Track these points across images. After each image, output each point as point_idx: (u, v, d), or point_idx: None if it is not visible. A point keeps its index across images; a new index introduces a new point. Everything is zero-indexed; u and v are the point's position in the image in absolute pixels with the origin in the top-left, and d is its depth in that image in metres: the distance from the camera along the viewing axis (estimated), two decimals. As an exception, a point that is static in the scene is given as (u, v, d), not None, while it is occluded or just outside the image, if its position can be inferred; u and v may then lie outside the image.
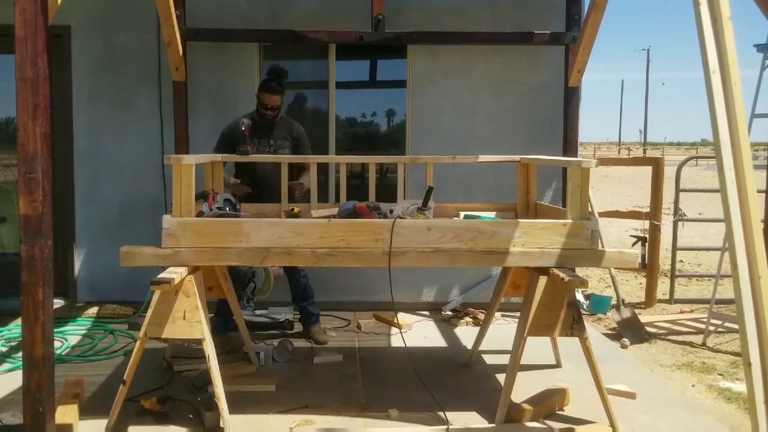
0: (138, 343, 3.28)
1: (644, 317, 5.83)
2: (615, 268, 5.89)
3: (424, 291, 5.88)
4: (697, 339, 5.32)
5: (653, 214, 6.46)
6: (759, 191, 2.70)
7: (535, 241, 3.37)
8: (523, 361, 3.45)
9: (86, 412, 3.49)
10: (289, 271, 4.78)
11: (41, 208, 2.85)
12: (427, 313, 5.75)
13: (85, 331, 5.05)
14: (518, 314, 3.77)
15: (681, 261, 8.57)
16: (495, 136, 5.73)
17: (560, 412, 3.59)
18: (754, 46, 5.33)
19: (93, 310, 5.44)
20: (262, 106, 4.64)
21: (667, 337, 5.41)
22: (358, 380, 4.08)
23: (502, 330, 4.98)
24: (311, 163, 4.53)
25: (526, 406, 3.42)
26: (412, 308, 5.76)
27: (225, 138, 4.72)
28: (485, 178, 5.65)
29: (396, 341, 4.92)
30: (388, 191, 5.23)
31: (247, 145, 4.45)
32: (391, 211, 3.74)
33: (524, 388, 3.74)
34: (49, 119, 2.90)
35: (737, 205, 2.64)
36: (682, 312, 6.25)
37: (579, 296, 5.89)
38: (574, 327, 3.33)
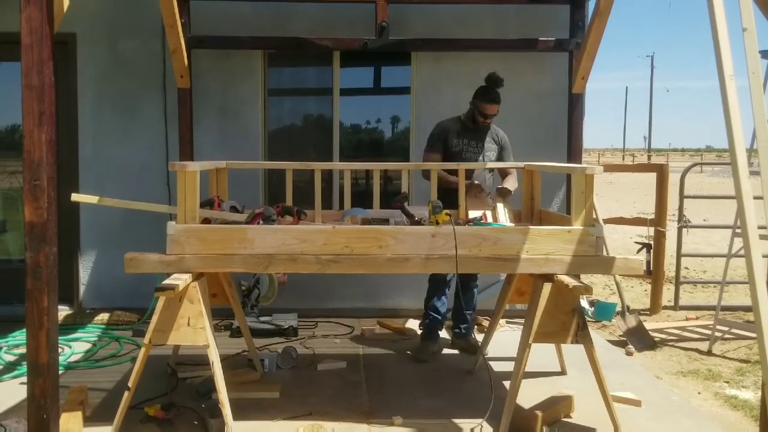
0: (142, 349, 3.28)
1: (649, 324, 5.80)
2: (620, 275, 5.88)
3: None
4: (703, 346, 5.29)
5: (658, 220, 6.45)
6: (756, 197, 2.68)
7: (540, 247, 3.37)
8: (528, 368, 3.43)
9: (90, 419, 3.49)
10: (463, 277, 4.65)
11: (46, 215, 2.86)
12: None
13: (90, 338, 5.05)
14: (523, 321, 3.76)
15: (686, 267, 8.54)
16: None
17: (566, 420, 3.57)
18: (759, 52, 5.31)
19: (98, 317, 5.46)
20: (480, 114, 4.57)
21: (673, 344, 5.39)
22: (362, 387, 4.07)
23: (507, 337, 4.96)
24: (511, 171, 4.67)
25: (535, 413, 3.40)
26: (421, 315, 5.73)
27: (437, 136, 4.67)
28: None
29: (399, 347, 4.91)
30: (392, 198, 5.22)
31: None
32: (420, 221, 3.72)
33: (529, 395, 3.73)
34: (54, 126, 2.91)
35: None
36: (687, 319, 6.23)
37: (584, 303, 5.87)
38: (579, 334, 3.32)
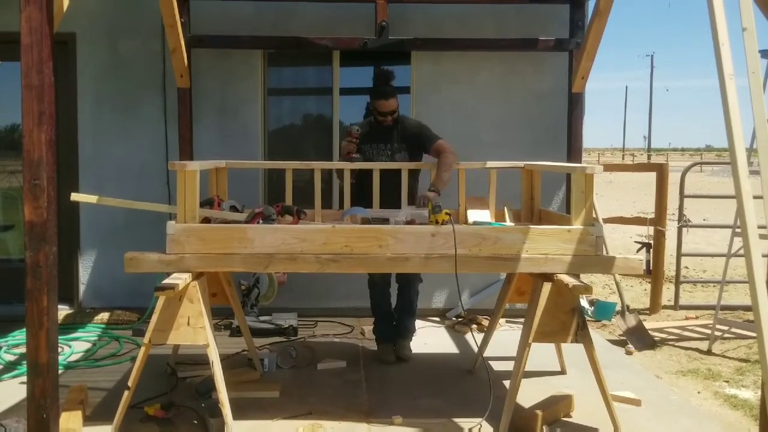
0: (142, 349, 3.28)
1: (649, 323, 5.80)
2: (620, 274, 5.87)
3: (433, 297, 5.86)
4: (703, 345, 5.29)
5: (658, 220, 6.44)
6: (755, 197, 2.69)
7: (540, 247, 3.37)
8: (528, 367, 3.44)
9: (90, 418, 3.49)
10: (403, 278, 4.65)
11: (46, 214, 2.86)
12: (437, 319, 5.75)
13: (89, 337, 5.05)
14: (523, 321, 3.76)
15: (686, 267, 8.54)
16: (499, 142, 5.73)
17: (565, 419, 3.57)
18: (759, 52, 5.31)
19: (97, 317, 5.45)
20: (379, 114, 4.41)
21: (673, 344, 5.39)
22: (362, 386, 4.07)
23: (506, 336, 4.96)
24: (444, 148, 4.33)
25: (535, 412, 3.40)
26: (422, 315, 5.73)
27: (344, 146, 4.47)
28: (489, 184, 5.64)
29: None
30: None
31: (357, 152, 4.37)
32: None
33: (529, 395, 3.73)
34: (54, 126, 2.91)
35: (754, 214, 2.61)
36: (687, 318, 6.23)
37: (583, 302, 5.87)
38: (579, 333, 3.32)
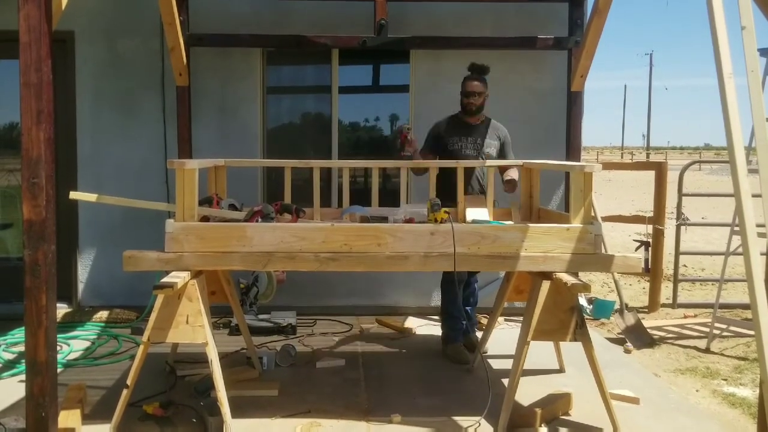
0: (141, 347, 3.28)
1: (648, 322, 5.81)
2: (618, 273, 5.88)
3: (432, 296, 5.86)
4: (701, 343, 5.30)
5: (656, 218, 6.45)
6: (754, 195, 2.69)
7: (538, 245, 3.37)
8: (527, 365, 3.44)
9: (89, 417, 3.49)
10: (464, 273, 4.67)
11: (45, 212, 2.86)
12: (436, 317, 5.73)
13: (88, 336, 5.05)
14: (521, 319, 3.76)
15: (684, 265, 8.54)
16: (498, 141, 5.72)
17: (564, 417, 3.58)
18: (758, 50, 5.31)
19: (96, 315, 5.45)
20: (465, 95, 4.60)
21: (671, 342, 5.40)
22: (360, 385, 4.07)
23: (505, 335, 4.96)
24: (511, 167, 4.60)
25: (534, 410, 3.41)
26: (421, 312, 5.75)
27: (431, 134, 4.70)
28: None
29: (398, 345, 4.91)
30: (391, 196, 5.23)
31: (450, 138, 4.59)
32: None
33: (528, 393, 3.74)
34: (52, 124, 2.91)
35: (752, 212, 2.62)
36: (685, 316, 6.23)
37: (582, 301, 5.87)
38: (578, 332, 3.32)
